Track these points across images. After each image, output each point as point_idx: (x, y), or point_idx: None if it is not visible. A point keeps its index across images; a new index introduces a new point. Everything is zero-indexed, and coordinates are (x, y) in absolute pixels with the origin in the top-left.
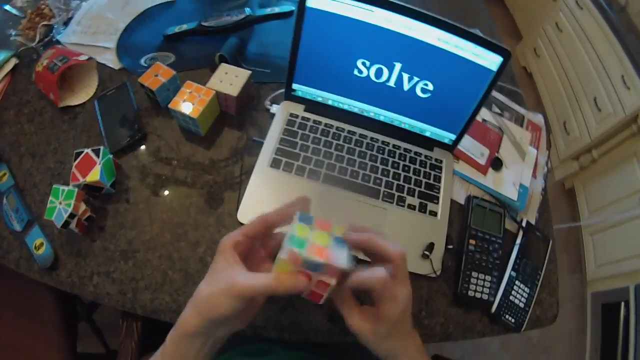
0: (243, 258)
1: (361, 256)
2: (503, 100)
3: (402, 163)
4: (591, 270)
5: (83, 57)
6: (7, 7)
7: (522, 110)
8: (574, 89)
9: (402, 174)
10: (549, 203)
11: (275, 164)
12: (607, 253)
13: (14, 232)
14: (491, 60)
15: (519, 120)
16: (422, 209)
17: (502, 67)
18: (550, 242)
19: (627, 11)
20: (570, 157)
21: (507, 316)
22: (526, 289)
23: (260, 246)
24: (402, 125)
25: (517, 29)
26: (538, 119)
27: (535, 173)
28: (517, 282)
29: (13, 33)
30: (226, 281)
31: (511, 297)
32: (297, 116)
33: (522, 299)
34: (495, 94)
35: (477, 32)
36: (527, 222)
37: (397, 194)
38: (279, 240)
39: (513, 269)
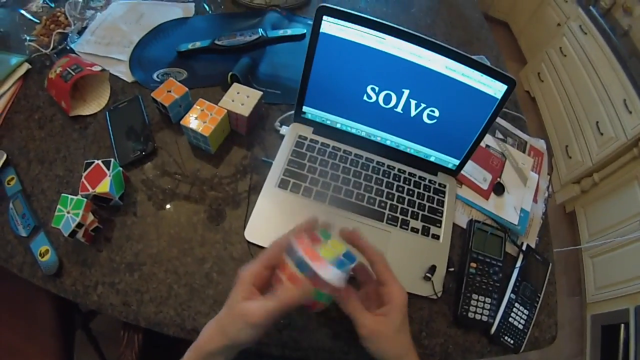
0: (262, 288)
1: None
2: (506, 126)
3: (406, 187)
4: (591, 293)
5: (97, 68)
6: (23, 12)
7: (524, 136)
8: (577, 113)
9: (406, 197)
10: (549, 227)
11: (283, 184)
12: (607, 275)
13: (19, 237)
14: (496, 89)
15: (522, 146)
16: (425, 232)
17: (507, 95)
18: (550, 265)
19: (630, 36)
20: (571, 180)
21: (506, 337)
22: (525, 310)
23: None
24: (408, 150)
25: (521, 53)
26: (540, 144)
27: (536, 198)
28: (516, 304)
29: (27, 38)
30: (242, 316)
31: (510, 319)
32: (305, 138)
33: (521, 321)
34: (498, 120)
35: (483, 58)
36: (527, 246)
37: (401, 217)
38: None
39: (513, 291)
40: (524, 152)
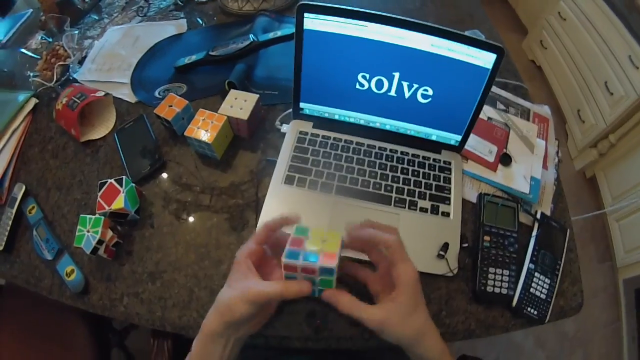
0: (257, 266)
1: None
2: (507, 96)
3: (411, 168)
4: (620, 257)
5: (100, 94)
6: (23, 50)
7: (527, 104)
8: (584, 76)
9: (412, 178)
10: (563, 192)
11: (288, 180)
12: (635, 237)
13: (45, 261)
14: (485, 59)
15: (525, 114)
16: (434, 210)
17: (497, 64)
18: (568, 231)
19: None
20: (588, 145)
21: (529, 309)
22: (546, 280)
23: (273, 255)
24: (408, 132)
25: (521, 24)
26: (544, 110)
27: (546, 164)
28: (536, 274)
29: (31, 74)
30: (242, 289)
31: (531, 290)
32: (306, 133)
33: (544, 290)
34: (498, 91)
35: (476, 32)
36: (542, 214)
37: (408, 198)
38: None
39: (531, 261)
40: (527, 119)
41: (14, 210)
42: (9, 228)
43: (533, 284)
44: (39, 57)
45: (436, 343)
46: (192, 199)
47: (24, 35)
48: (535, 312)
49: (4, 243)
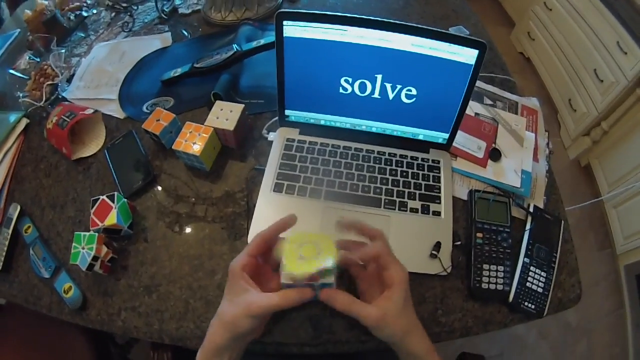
0: (252, 276)
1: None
2: (494, 90)
3: (399, 169)
4: (620, 243)
5: (89, 111)
6: (12, 71)
7: (514, 98)
8: (573, 65)
9: (401, 179)
10: (556, 184)
11: (277, 188)
12: (633, 223)
13: (43, 279)
14: (468, 55)
15: (513, 107)
16: (425, 210)
17: (480, 59)
18: (563, 222)
19: None
20: (581, 134)
21: (526, 303)
22: (542, 273)
23: (266, 262)
24: (395, 133)
25: (508, 16)
26: (532, 102)
27: (536, 157)
28: (532, 268)
29: (21, 95)
30: (244, 304)
31: (528, 284)
32: (293, 140)
33: (540, 284)
34: (485, 85)
35: (461, 28)
36: (535, 207)
37: (398, 199)
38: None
39: (526, 255)
40: (516, 113)
41: (10, 231)
42: (6, 248)
43: (529, 278)
44: (27, 77)
45: (423, 340)
46: (184, 211)
47: (13, 55)
48: (533, 307)
49: (1, 263)
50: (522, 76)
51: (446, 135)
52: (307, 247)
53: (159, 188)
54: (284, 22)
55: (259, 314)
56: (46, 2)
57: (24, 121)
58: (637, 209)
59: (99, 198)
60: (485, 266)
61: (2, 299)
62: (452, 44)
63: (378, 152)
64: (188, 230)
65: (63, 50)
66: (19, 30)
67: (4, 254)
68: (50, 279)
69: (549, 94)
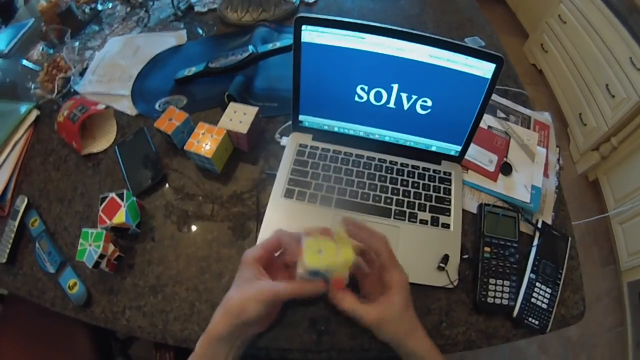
0: (264, 267)
1: None
2: (507, 104)
3: (411, 180)
4: (624, 260)
5: (101, 106)
6: (24, 62)
7: (527, 112)
8: (585, 79)
9: (412, 190)
10: (565, 200)
11: (288, 194)
12: (639, 239)
13: (48, 274)
14: (484, 69)
15: (525, 121)
16: (435, 222)
17: (496, 74)
18: (570, 239)
19: None
20: (590, 148)
21: (530, 319)
22: (547, 289)
23: (278, 257)
24: (408, 143)
25: (522, 27)
26: (545, 117)
27: (547, 172)
28: (537, 284)
29: (33, 86)
30: (256, 289)
31: (532, 300)
32: (306, 146)
33: (545, 300)
34: (499, 98)
35: (477, 39)
36: (543, 223)
37: (408, 210)
38: (293, 253)
39: (532, 271)
40: (528, 127)
41: (16, 223)
42: (11, 240)
43: (534, 294)
44: (40, 68)
45: (424, 341)
46: (192, 212)
47: (26, 45)
48: (537, 322)
49: (6, 255)
50: (533, 88)
51: (459, 148)
52: (327, 244)
53: (169, 187)
54: (303, 27)
55: (271, 299)
56: None
57: (35, 112)
58: None
59: (108, 195)
60: (492, 280)
61: (5, 290)
62: (469, 57)
63: (390, 162)
64: (196, 231)
65: (77, 43)
66: (32, 19)
67: (9, 246)
68: (56, 274)
69: (559, 107)
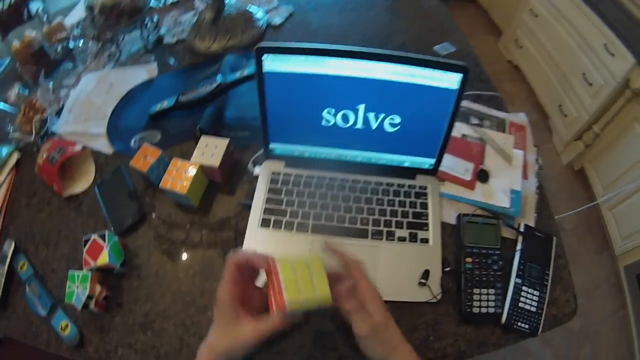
0: (240, 296)
1: None
2: (480, 109)
3: (386, 198)
4: (618, 245)
5: (78, 147)
6: (1, 105)
7: (502, 114)
8: (562, 70)
9: (388, 208)
10: (547, 199)
11: (264, 223)
12: (630, 223)
13: (40, 317)
14: (451, 80)
15: (501, 125)
16: (413, 238)
17: (463, 83)
18: (554, 238)
19: None
20: (573, 138)
21: (519, 323)
22: (535, 292)
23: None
24: (380, 162)
25: (495, 25)
26: (520, 118)
27: (526, 174)
28: (524, 288)
29: (11, 129)
30: (240, 334)
31: (520, 304)
32: (279, 173)
33: (533, 303)
34: (471, 104)
35: (446, 45)
36: (526, 226)
37: (385, 229)
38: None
39: (517, 276)
40: (503, 131)
41: (5, 267)
42: (2, 285)
43: (521, 299)
44: (17, 110)
45: (410, 355)
46: (174, 247)
47: (3, 87)
48: (527, 326)
49: None
50: (512, 84)
51: (432, 161)
52: (300, 268)
53: (149, 225)
54: (264, 57)
55: (256, 341)
56: (34, 34)
57: (15, 155)
58: (633, 209)
59: (90, 237)
60: (476, 290)
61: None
62: (434, 70)
63: (364, 182)
64: (178, 268)
65: (51, 84)
66: (9, 58)
67: (0, 290)
68: (47, 316)
69: (539, 101)
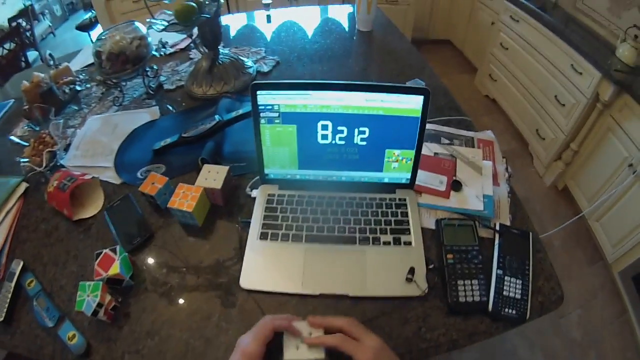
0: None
1: None
2: (450, 130)
3: (370, 210)
4: (610, 253)
5: (88, 177)
6: (12, 137)
7: (470, 134)
8: (535, 96)
9: (372, 218)
10: (520, 203)
11: (263, 236)
12: (618, 230)
13: (46, 329)
14: (415, 102)
15: (469, 142)
16: (397, 242)
17: (426, 104)
18: (531, 234)
19: (559, 5)
20: (552, 159)
21: (506, 310)
22: (518, 281)
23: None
24: (362, 179)
25: (470, 63)
26: (487, 135)
27: (497, 181)
28: (506, 278)
29: (21, 160)
30: None
31: (505, 292)
32: (274, 195)
33: (517, 291)
34: (442, 127)
35: (417, 81)
36: (501, 225)
37: (371, 236)
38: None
39: (498, 267)
40: (472, 146)
41: (12, 284)
42: (8, 301)
43: (505, 287)
44: (26, 144)
45: None
46: (177, 266)
47: (8, 124)
48: (514, 312)
49: (4, 314)
50: (489, 117)
51: (408, 176)
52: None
53: (156, 244)
54: (258, 92)
55: None
56: (42, 75)
57: (24, 185)
58: (619, 216)
59: (102, 251)
60: (460, 281)
61: (3, 349)
62: (400, 94)
63: (349, 198)
64: (183, 282)
65: (61, 121)
66: (13, 100)
67: (6, 306)
68: (54, 327)
69: (517, 129)
